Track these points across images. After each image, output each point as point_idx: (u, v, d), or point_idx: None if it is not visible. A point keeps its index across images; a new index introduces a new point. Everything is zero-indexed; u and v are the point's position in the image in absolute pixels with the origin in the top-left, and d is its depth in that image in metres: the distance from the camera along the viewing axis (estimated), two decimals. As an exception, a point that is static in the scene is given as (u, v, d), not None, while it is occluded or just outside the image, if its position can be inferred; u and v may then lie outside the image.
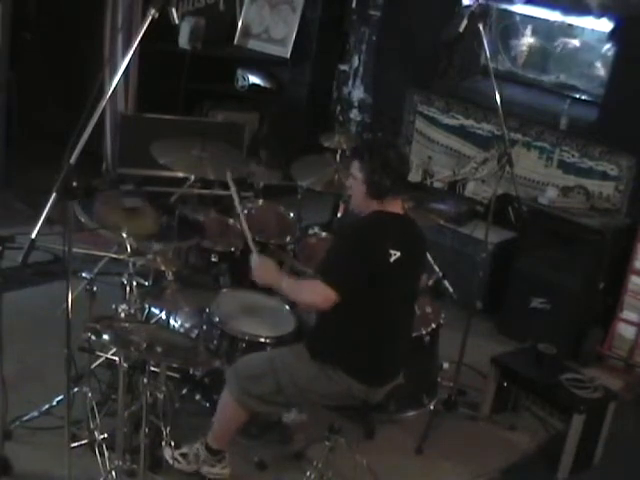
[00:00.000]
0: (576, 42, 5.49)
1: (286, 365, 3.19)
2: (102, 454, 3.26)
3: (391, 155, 3.14)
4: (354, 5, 6.45)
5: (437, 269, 4.34)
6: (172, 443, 3.35)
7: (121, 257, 3.41)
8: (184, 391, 3.75)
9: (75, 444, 3.26)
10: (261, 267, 3.29)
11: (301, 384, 3.16)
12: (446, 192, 5.80)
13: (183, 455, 3.38)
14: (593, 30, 5.35)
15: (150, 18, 2.82)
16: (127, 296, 3.33)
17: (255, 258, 3.33)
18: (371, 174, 3.09)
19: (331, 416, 3.33)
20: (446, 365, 4.12)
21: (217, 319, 3.69)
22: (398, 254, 3.07)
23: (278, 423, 3.65)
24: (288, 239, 4.25)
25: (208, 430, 3.38)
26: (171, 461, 3.35)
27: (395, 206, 3.17)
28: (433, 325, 3.98)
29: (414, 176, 5.95)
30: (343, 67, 6.66)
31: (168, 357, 2.95)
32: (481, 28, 3.96)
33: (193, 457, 3.37)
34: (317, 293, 3.03)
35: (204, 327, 3.80)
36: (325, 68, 6.67)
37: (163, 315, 3.85)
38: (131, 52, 2.91)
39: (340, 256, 3.13)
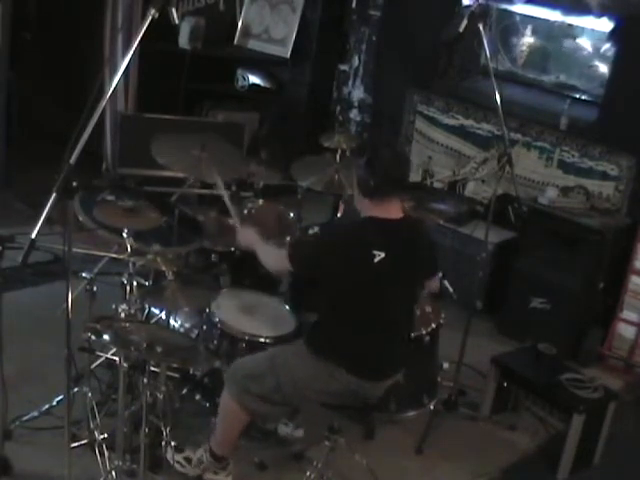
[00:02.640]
0: (576, 42, 5.49)
1: (285, 363, 3.20)
2: (102, 454, 3.26)
3: (384, 155, 3.15)
4: (354, 5, 6.45)
5: (437, 269, 4.35)
6: (175, 445, 3.35)
7: (121, 257, 3.41)
8: (184, 391, 3.75)
9: (75, 444, 3.26)
10: (243, 233, 3.60)
11: (301, 382, 3.17)
12: (446, 192, 5.79)
13: (187, 459, 3.38)
14: (593, 30, 5.35)
15: (150, 18, 2.82)
16: (127, 296, 3.33)
17: (239, 229, 3.67)
18: (358, 171, 3.12)
19: (331, 416, 3.33)
20: (446, 365, 4.12)
21: (217, 319, 3.69)
22: (382, 255, 3.06)
23: (275, 432, 3.65)
24: (288, 239, 4.24)
25: (209, 432, 3.38)
26: (174, 464, 3.35)
27: (389, 208, 3.14)
28: (433, 325, 3.98)
29: (414, 176, 5.95)
30: (343, 67, 6.66)
31: (168, 357, 2.95)
32: (481, 28, 3.96)
33: (197, 462, 3.37)
34: (276, 259, 3.29)
35: (204, 327, 3.80)
36: (325, 68, 6.66)
37: (163, 315, 3.85)
38: (131, 52, 2.91)
39: (315, 242, 3.32)
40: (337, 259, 3.07)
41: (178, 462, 3.36)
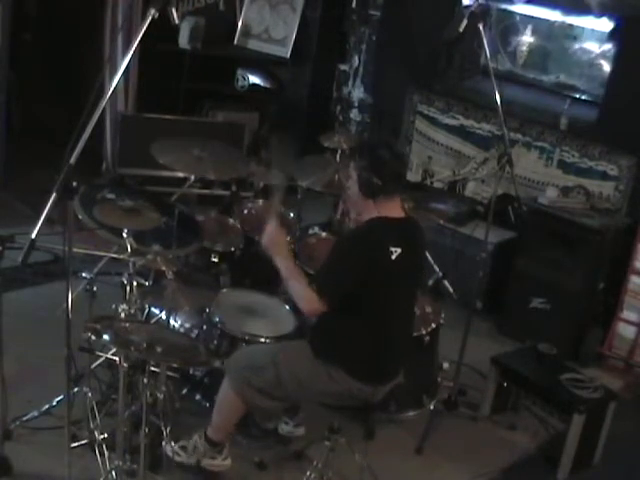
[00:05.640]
0: (576, 42, 5.49)
1: (288, 360, 3.20)
2: (102, 454, 3.26)
3: (384, 154, 3.13)
4: (354, 5, 6.45)
5: (437, 269, 4.35)
6: (172, 442, 3.36)
7: (121, 257, 3.41)
8: (184, 391, 3.75)
9: (75, 444, 3.26)
10: (273, 237, 3.23)
11: (302, 380, 3.17)
12: (446, 192, 5.79)
13: (182, 448, 3.38)
14: (593, 30, 5.35)
15: (150, 18, 2.82)
16: (127, 296, 3.33)
17: (272, 225, 3.26)
18: (362, 172, 3.10)
19: (331, 416, 3.33)
20: (446, 365, 4.12)
21: (217, 319, 3.70)
22: (399, 250, 3.06)
23: (275, 431, 3.66)
24: (288, 239, 4.24)
25: (208, 423, 3.38)
26: (171, 454, 3.35)
27: (392, 208, 3.14)
28: (433, 325, 3.98)
29: (414, 176, 5.96)
30: (343, 67, 6.66)
31: (168, 357, 2.95)
32: (481, 28, 3.97)
33: (192, 449, 3.37)
34: (307, 302, 3.06)
35: (204, 327, 3.80)
36: (325, 68, 6.66)
37: (163, 315, 3.85)
38: (131, 52, 2.91)
39: (336, 266, 3.11)
40: (361, 266, 3.04)
41: (174, 452, 3.36)
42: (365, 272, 3.04)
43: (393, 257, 3.06)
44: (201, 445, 3.35)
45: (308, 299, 3.04)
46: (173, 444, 3.37)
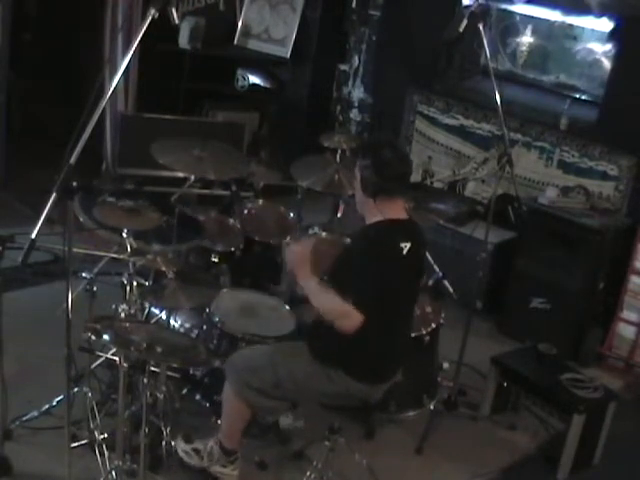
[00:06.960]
0: (576, 42, 5.49)
1: (286, 360, 3.20)
2: (102, 454, 3.26)
3: (387, 154, 3.12)
4: (354, 5, 6.45)
5: (437, 269, 4.35)
6: (184, 434, 3.37)
7: (121, 257, 3.41)
8: (184, 391, 3.75)
9: (75, 444, 3.26)
10: (297, 254, 3.16)
11: (300, 380, 3.17)
12: (446, 192, 5.79)
13: (195, 450, 3.37)
14: (593, 30, 5.35)
15: (150, 18, 2.82)
16: (127, 296, 3.33)
17: (301, 246, 3.24)
18: (362, 172, 3.10)
19: (331, 416, 3.33)
20: (446, 365, 4.12)
21: (217, 319, 3.70)
22: (408, 245, 3.07)
23: (276, 425, 3.65)
24: (288, 239, 4.25)
25: (213, 429, 3.38)
26: (182, 454, 3.35)
27: (394, 209, 3.13)
28: (433, 325, 3.98)
29: (414, 176, 5.95)
30: (343, 67, 6.66)
31: (168, 357, 2.95)
32: (481, 28, 3.97)
33: (206, 455, 3.36)
34: (347, 317, 2.97)
35: (204, 327, 3.80)
36: (325, 68, 6.66)
37: (163, 315, 3.85)
38: (131, 52, 2.91)
39: (365, 278, 3.03)
40: (383, 272, 3.02)
41: (186, 452, 3.36)
42: (387, 276, 3.02)
43: (404, 252, 3.07)
44: (216, 452, 3.34)
45: (347, 314, 2.96)
46: (185, 444, 3.37)
